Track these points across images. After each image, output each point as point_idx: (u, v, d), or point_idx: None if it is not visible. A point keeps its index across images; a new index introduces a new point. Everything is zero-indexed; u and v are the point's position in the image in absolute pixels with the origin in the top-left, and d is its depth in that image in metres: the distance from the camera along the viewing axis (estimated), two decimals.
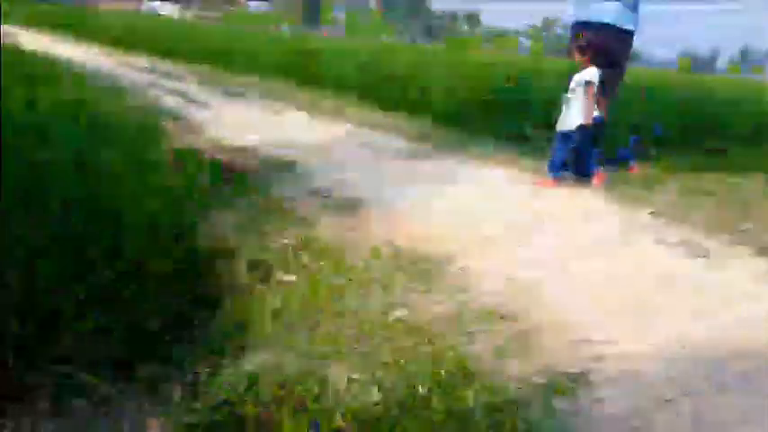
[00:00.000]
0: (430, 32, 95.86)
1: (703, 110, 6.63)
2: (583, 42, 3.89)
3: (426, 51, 13.74)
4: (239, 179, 3.38)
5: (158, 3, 74.96)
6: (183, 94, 6.86)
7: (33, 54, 6.59)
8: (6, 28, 15.14)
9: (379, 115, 6.56)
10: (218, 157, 3.91)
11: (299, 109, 6.59)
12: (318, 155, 4.33)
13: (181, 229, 2.24)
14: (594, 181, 3.90)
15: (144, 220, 2.10)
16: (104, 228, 1.95)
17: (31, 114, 2.89)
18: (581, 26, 4.03)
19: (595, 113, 3.85)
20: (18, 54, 5.72)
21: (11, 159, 2.08)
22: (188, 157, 3.61)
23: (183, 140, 4.26)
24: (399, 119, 6.40)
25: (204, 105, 6.23)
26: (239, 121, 5.42)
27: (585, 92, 3.77)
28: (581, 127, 3.79)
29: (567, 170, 3.92)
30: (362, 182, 3.62)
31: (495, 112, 5.99)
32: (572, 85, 3.86)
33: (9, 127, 2.43)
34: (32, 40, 11.29)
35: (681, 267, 2.63)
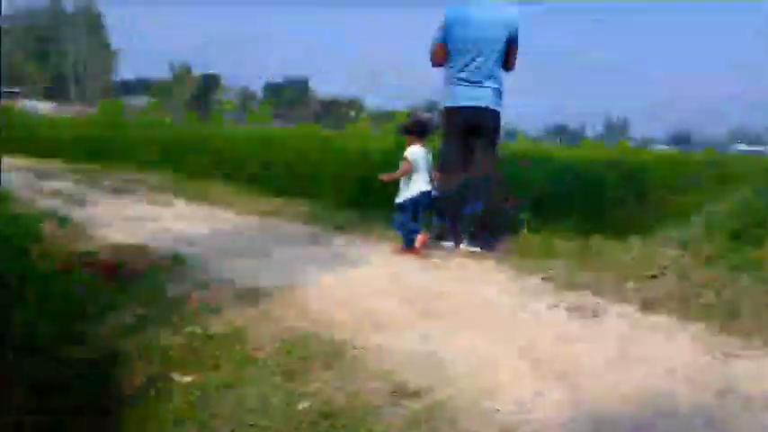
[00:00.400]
0: (317, 119, 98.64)
1: (579, 176, 7.13)
2: (408, 125, 4.44)
3: (314, 137, 14.07)
4: (128, 279, 3.21)
5: (34, 101, 72.14)
6: (63, 194, 6.54)
7: None
8: None
9: (271, 202, 6.56)
10: (106, 257, 3.72)
11: (189, 200, 6.46)
12: (212, 246, 4.23)
13: (64, 337, 2.09)
14: (417, 244, 4.20)
15: (21, 331, 1.94)
16: None
17: None
18: (458, 109, 4.36)
19: (427, 187, 4.27)
20: None
21: None
22: (71, 261, 3.43)
23: (67, 243, 4.02)
24: (292, 204, 6.43)
25: (89, 203, 5.95)
26: (128, 218, 5.20)
27: (402, 167, 4.22)
28: (401, 203, 4.27)
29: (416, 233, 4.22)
30: (260, 270, 3.55)
31: (385, 191, 6.15)
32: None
33: None
34: None
35: (575, 329, 2.74)
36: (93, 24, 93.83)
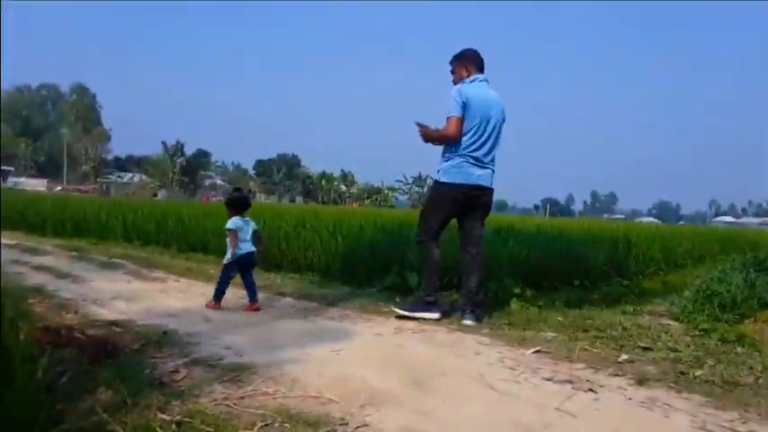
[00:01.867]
0: (308, 193, 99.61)
1: (566, 249, 7.19)
2: (227, 201, 5.08)
3: (307, 211, 14.19)
4: (115, 355, 3.14)
5: (24, 178, 72.64)
6: (51, 270, 6.47)
7: None
8: None
9: (262, 276, 6.53)
10: (90, 333, 3.65)
11: (179, 276, 6.41)
12: (202, 322, 4.17)
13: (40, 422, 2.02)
14: (246, 306, 4.76)
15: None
16: None
17: None
18: (463, 188, 4.44)
19: (250, 248, 4.86)
20: None
21: None
22: (58, 338, 3.36)
23: (52, 319, 3.95)
24: (284, 278, 6.41)
25: (76, 279, 5.89)
26: (116, 294, 5.14)
27: (227, 236, 4.81)
28: (226, 263, 4.83)
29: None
30: (249, 346, 3.49)
31: (378, 264, 6.17)
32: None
33: None
34: None
35: (571, 404, 2.70)
36: (87, 104, 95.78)
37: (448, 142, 4.47)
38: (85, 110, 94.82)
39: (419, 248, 4.63)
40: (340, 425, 2.33)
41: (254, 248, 4.91)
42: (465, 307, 4.43)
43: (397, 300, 5.09)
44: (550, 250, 6.93)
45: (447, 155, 4.49)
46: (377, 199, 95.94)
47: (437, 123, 4.52)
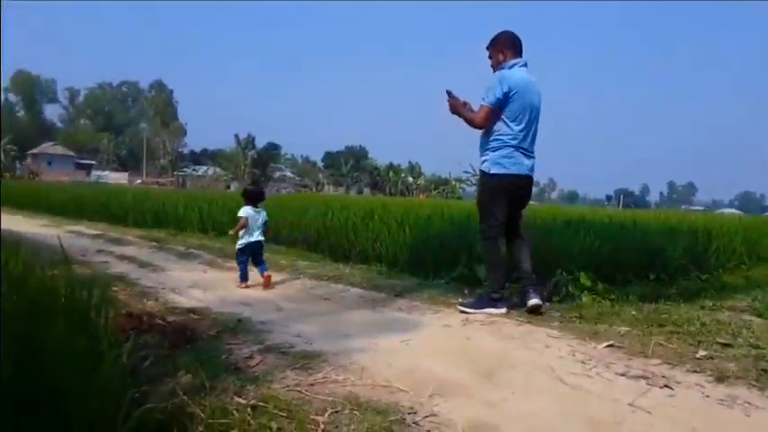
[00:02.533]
0: (376, 185, 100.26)
1: (641, 241, 6.94)
2: (243, 193, 5.75)
3: (374, 202, 14.30)
4: (193, 341, 3.29)
5: (107, 172, 76.37)
6: (134, 259, 6.81)
7: None
8: None
9: (332, 266, 6.64)
10: (170, 320, 3.83)
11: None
12: (274, 311, 4.29)
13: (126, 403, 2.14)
14: (262, 281, 5.31)
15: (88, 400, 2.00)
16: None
17: None
18: (514, 178, 4.40)
19: (259, 237, 5.49)
20: None
21: None
22: (137, 324, 3.54)
23: (134, 306, 4.17)
24: (353, 269, 6.49)
25: (156, 269, 6.18)
26: (193, 283, 5.36)
27: (239, 223, 5.43)
28: (239, 248, 5.46)
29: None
30: (320, 335, 3.57)
31: (446, 255, 6.15)
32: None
33: None
34: None
35: (645, 400, 2.62)
36: (165, 100, 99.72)
37: (473, 126, 4.44)
38: (163, 105, 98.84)
39: (484, 245, 4.53)
40: (409, 413, 2.36)
41: (262, 237, 5.52)
42: (527, 289, 4.37)
43: (465, 292, 5.07)
44: (624, 242, 6.71)
45: (494, 144, 4.39)
46: (444, 190, 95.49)
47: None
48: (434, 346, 3.40)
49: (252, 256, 5.47)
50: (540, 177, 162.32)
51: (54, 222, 12.36)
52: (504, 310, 4.37)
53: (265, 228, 5.57)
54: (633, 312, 4.34)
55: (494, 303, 4.39)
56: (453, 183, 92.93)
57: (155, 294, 4.73)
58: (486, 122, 4.37)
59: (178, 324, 3.66)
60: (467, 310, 4.36)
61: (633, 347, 3.43)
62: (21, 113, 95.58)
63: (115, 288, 4.89)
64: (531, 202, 4.96)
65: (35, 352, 2.18)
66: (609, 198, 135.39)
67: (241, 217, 5.42)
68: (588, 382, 2.86)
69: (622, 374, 2.97)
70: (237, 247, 5.47)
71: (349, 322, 4.00)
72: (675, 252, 6.99)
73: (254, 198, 5.56)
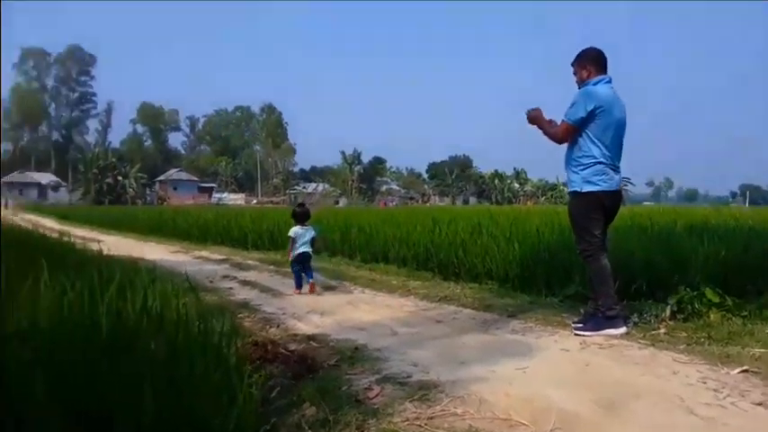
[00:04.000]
0: (482, 193, 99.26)
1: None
2: (293, 214, 6.75)
3: (482, 213, 14.18)
4: (314, 371, 3.43)
5: (226, 194, 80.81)
6: (255, 284, 7.19)
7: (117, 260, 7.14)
8: (91, 233, 16.66)
9: (442, 286, 6.68)
10: (292, 347, 4.02)
11: (364, 287, 6.78)
12: (389, 335, 4.38)
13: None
14: (307, 289, 6.43)
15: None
16: None
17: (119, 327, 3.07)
18: (607, 194, 4.39)
19: (307, 249, 6.49)
20: (107, 260, 6.20)
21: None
22: (262, 354, 3.75)
23: (258, 334, 4.42)
24: (464, 288, 6.48)
25: (276, 294, 6.49)
26: (310, 308, 5.58)
27: (290, 242, 6.58)
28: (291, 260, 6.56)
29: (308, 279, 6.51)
30: (436, 362, 3.61)
31: (558, 271, 6.00)
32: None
33: (98, 341, 2.61)
34: (117, 243, 12.31)
35: None
36: (275, 121, 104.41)
37: (553, 140, 4.48)
38: (274, 127, 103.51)
39: (588, 262, 4.43)
40: None
41: (309, 249, 6.50)
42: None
43: (581, 311, 4.93)
44: (754, 247, 6.23)
45: (584, 162, 4.37)
46: (552, 195, 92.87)
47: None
48: (552, 374, 3.35)
49: (301, 265, 6.46)
50: (654, 176, 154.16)
51: (183, 248, 13.28)
52: (623, 330, 4.22)
53: (313, 242, 6.57)
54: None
55: (612, 323, 4.25)
56: (562, 187, 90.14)
57: (276, 321, 4.98)
58: (566, 138, 4.44)
59: (300, 353, 3.84)
60: (583, 333, 4.24)
61: None
62: (148, 143, 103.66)
63: (240, 315, 5.20)
64: (648, 203, 4.82)
65: (176, 389, 2.38)
66: (734, 195, 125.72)
67: (290, 237, 6.55)
68: (722, 413, 2.70)
69: (760, 404, 2.79)
70: (290, 259, 6.52)
71: (464, 347, 4.01)
72: None
73: (301, 218, 6.59)
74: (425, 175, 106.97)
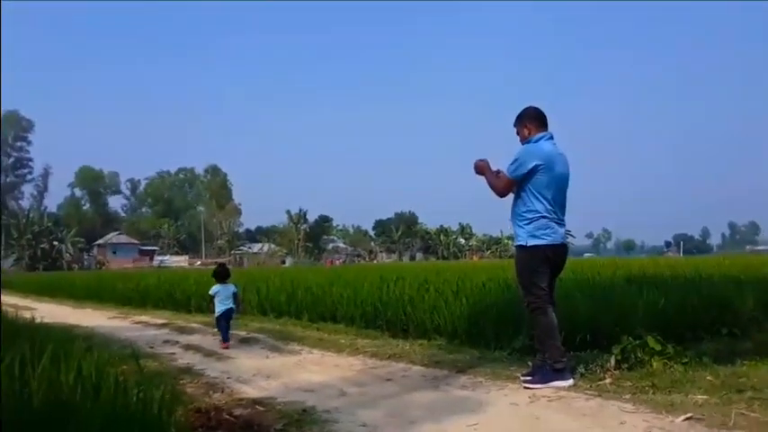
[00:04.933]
0: (428, 249, 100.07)
1: (708, 294, 6.66)
2: (213, 273, 7.30)
3: (428, 269, 14.31)
4: None
5: (168, 256, 79.01)
6: (199, 349, 6.95)
7: (51, 328, 6.81)
8: (24, 301, 15.87)
9: (391, 343, 6.62)
10: (237, 412, 3.88)
11: (312, 348, 6.65)
12: (338, 396, 4.28)
13: None
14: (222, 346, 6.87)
15: None
16: None
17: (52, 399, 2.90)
18: (551, 247, 4.48)
19: (227, 306, 7.00)
20: (40, 329, 5.90)
21: None
22: (206, 421, 3.60)
23: (201, 400, 4.24)
24: (413, 345, 6.44)
25: (221, 357, 6.29)
26: (256, 370, 5.42)
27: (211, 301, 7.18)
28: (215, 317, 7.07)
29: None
30: (385, 422, 3.54)
31: (506, 324, 6.04)
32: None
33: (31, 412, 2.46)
34: (52, 311, 11.74)
35: None
36: (220, 182, 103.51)
37: (495, 192, 4.62)
38: (218, 188, 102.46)
39: (535, 315, 4.48)
40: None
41: (231, 305, 7.02)
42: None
43: (529, 364, 4.96)
44: (690, 296, 6.46)
45: (528, 216, 4.49)
46: (497, 249, 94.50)
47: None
48: (503, 429, 3.33)
49: (226, 320, 6.96)
50: (593, 228, 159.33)
51: (122, 313, 12.78)
52: (571, 382, 4.26)
53: (235, 297, 7.11)
54: (709, 377, 4.15)
55: (559, 375, 4.29)
56: (506, 241, 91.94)
57: (221, 385, 4.81)
58: (507, 192, 4.59)
59: (245, 418, 3.70)
60: (532, 386, 4.25)
61: (713, 419, 3.26)
62: (86, 206, 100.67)
63: (183, 381, 5.00)
64: (589, 255, 4.97)
65: None
66: (668, 244, 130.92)
67: (210, 294, 7.14)
68: None
69: None
70: (215, 316, 6.99)
71: (413, 405, 3.95)
72: (746, 302, 6.68)
73: (221, 276, 7.13)
74: (372, 232, 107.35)
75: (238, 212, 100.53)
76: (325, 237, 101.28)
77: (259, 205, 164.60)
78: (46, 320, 6.75)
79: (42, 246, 77.83)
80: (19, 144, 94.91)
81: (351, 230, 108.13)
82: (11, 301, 13.26)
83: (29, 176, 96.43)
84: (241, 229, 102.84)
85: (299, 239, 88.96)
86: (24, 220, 79.00)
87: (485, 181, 4.69)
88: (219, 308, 6.89)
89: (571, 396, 3.98)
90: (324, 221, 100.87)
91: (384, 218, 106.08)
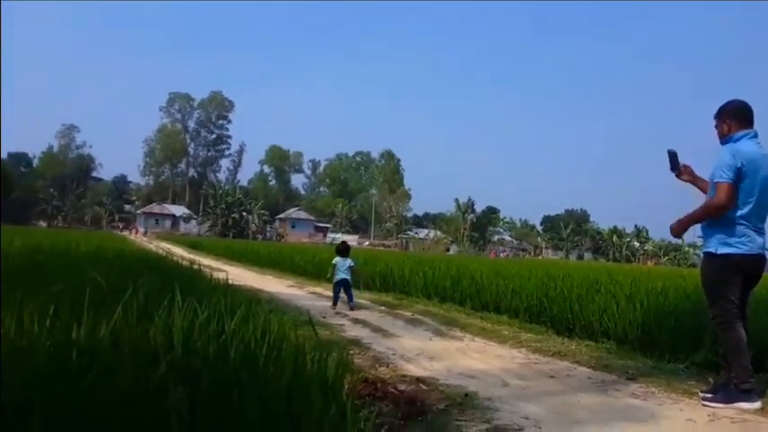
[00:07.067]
0: (598, 249, 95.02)
1: None
2: (336, 248, 9.72)
3: (598, 270, 13.62)
4: (423, 414, 3.42)
5: (340, 234, 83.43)
6: (366, 323, 7.31)
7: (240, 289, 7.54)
8: (216, 263, 17.68)
9: (555, 340, 6.45)
10: (401, 387, 4.04)
11: (475, 335, 6.69)
12: (501, 386, 4.29)
13: None
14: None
15: None
16: None
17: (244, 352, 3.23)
18: (745, 258, 4.08)
19: (345, 276, 8.97)
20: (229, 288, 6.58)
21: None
22: (372, 391, 3.79)
23: (368, 372, 4.47)
24: (579, 345, 6.23)
25: (387, 334, 6.56)
26: (420, 350, 5.59)
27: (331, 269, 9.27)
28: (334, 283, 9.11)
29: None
30: (548, 418, 3.48)
31: (685, 336, 5.62)
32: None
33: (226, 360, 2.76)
34: (239, 274, 12.97)
35: None
36: (393, 168, 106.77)
37: (718, 213, 4.08)
38: (391, 173, 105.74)
39: (721, 330, 4.12)
40: None
41: (348, 276, 8.96)
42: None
43: (710, 380, 4.58)
44: None
45: (723, 221, 4.08)
46: (675, 257, 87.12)
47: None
48: None
49: (343, 288, 8.89)
50: None
51: (298, 283, 13.78)
52: (758, 405, 3.88)
53: (351, 271, 9.10)
54: None
55: (745, 396, 3.91)
56: (686, 249, 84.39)
57: (386, 360, 5.03)
58: (730, 199, 4.03)
59: (410, 394, 3.85)
60: (713, 405, 3.92)
61: None
62: (272, 183, 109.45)
63: (351, 352, 5.30)
64: None
65: (296, 420, 2.45)
66: None
67: (332, 263, 9.16)
68: None
69: None
70: (334, 282, 8.98)
71: (579, 406, 3.84)
72: None
73: (342, 252, 9.33)
74: (539, 227, 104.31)
75: (408, 197, 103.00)
76: (491, 228, 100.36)
77: (428, 192, 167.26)
78: (235, 282, 7.48)
79: (233, 215, 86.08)
80: (221, 122, 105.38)
81: (518, 224, 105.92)
82: (206, 262, 14.84)
83: (227, 152, 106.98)
84: (409, 214, 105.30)
85: (464, 228, 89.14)
86: (221, 192, 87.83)
87: (694, 189, 4.40)
88: (337, 276, 8.87)
89: (758, 420, 3.63)
90: (491, 212, 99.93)
91: (552, 214, 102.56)
